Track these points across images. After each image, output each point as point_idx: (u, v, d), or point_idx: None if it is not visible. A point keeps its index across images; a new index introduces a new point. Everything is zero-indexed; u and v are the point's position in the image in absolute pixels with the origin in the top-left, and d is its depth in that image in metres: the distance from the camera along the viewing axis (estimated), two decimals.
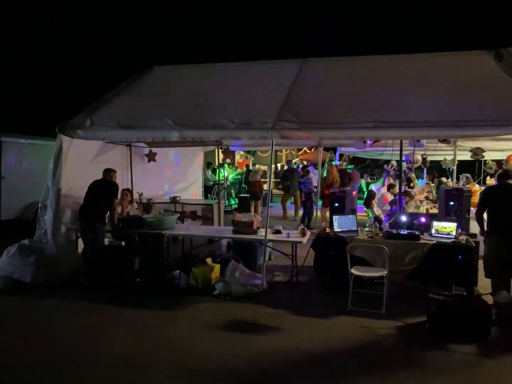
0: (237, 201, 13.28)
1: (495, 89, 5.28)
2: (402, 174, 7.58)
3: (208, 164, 12.18)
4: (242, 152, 19.35)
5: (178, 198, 7.31)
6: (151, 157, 7.66)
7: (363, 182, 15.45)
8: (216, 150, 10.31)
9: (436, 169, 16.29)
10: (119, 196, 6.19)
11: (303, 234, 5.42)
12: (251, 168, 15.68)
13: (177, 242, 6.26)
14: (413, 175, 11.06)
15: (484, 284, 5.34)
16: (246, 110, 5.69)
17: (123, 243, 6.44)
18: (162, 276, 5.70)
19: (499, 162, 11.91)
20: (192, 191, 9.28)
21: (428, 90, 5.47)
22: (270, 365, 3.65)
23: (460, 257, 5.07)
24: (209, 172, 12.35)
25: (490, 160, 11.99)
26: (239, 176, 14.96)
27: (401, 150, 6.13)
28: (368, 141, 6.16)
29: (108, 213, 5.84)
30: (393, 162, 12.92)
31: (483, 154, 8.67)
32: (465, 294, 4.89)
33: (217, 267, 5.65)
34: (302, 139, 5.87)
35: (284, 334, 4.26)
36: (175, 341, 4.10)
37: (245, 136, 5.34)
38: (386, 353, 3.86)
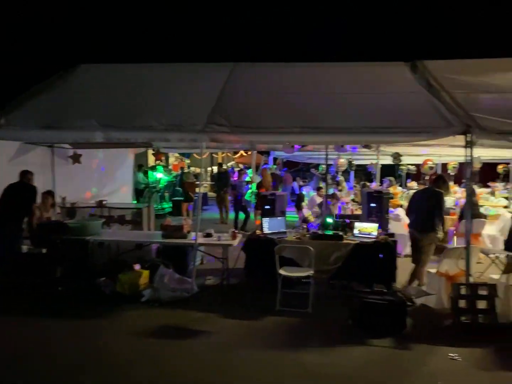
0: (170, 205, 13.03)
1: (411, 99, 5.67)
2: (328, 177, 7.95)
3: (139, 167, 11.82)
4: (177, 154, 19.05)
5: (104, 202, 7.02)
6: (75, 159, 7.29)
7: (295, 185, 15.88)
8: (148, 152, 10.08)
9: (363, 173, 17.23)
10: (38, 200, 5.81)
11: (233, 237, 5.46)
12: (186, 170, 15.48)
13: (103, 248, 6.00)
14: (341, 178, 11.60)
15: (402, 280, 5.73)
16: (176, 112, 5.61)
17: (44, 250, 6.05)
18: (86, 283, 5.43)
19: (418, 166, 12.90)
20: (121, 194, 8.97)
21: (352, 98, 5.75)
22: (200, 370, 3.62)
23: (381, 255, 5.40)
24: (140, 175, 11.98)
25: (407, 164, 12.88)
26: (173, 179, 14.69)
27: (326, 155, 6.39)
28: (295, 145, 6.33)
29: (26, 218, 5.46)
30: (324, 166, 13.46)
31: (401, 158, 9.28)
32: (384, 290, 5.19)
33: (145, 273, 5.50)
34: (233, 142, 5.91)
35: (214, 337, 4.25)
36: (100, 351, 3.92)
37: (174, 138, 5.26)
38: (310, 351, 3.99)
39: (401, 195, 10.91)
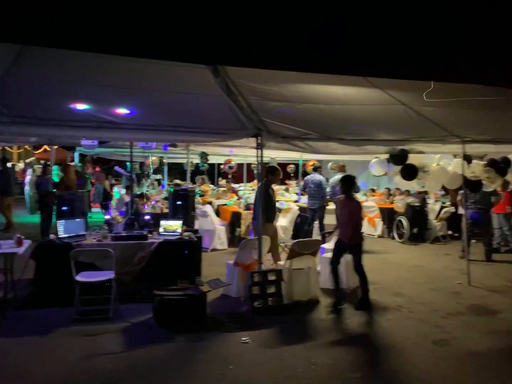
0: None
1: (211, 101, 5.96)
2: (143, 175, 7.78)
3: None
4: None
5: None
6: None
7: (107, 184, 14.93)
8: None
9: (179, 171, 17.47)
10: None
11: (19, 243, 4.76)
12: None
13: None
14: (154, 177, 11.48)
15: (207, 273, 6.00)
16: None
17: None
18: None
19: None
20: None
21: (155, 96, 5.71)
22: None
23: (186, 252, 5.52)
24: None
25: (218, 163, 13.58)
26: None
27: (131, 152, 6.19)
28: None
29: None
30: (134, 163, 13.04)
31: (208, 158, 9.74)
32: (187, 285, 5.32)
33: None
34: (16, 134, 5.15)
35: None
36: None
37: None
38: (107, 358, 3.79)
39: (211, 192, 11.46)
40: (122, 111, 4.91)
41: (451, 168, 6.57)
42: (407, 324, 4.71)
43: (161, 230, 5.65)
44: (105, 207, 8.75)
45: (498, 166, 6.47)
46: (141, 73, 6.33)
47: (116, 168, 11.91)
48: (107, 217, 6.07)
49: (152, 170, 10.81)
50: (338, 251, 5.30)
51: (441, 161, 6.68)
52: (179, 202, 6.20)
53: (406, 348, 4.08)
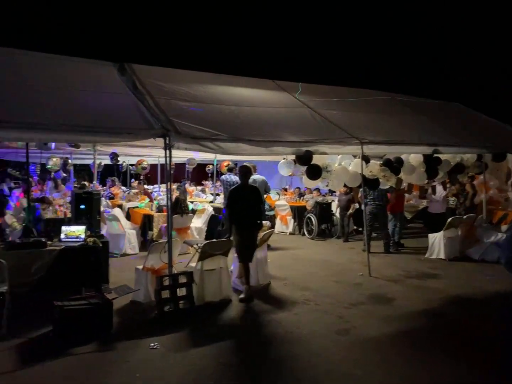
0: None
1: (116, 100, 5.73)
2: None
3: None
4: None
5: None
6: None
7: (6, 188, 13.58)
8: None
9: (87, 173, 16.52)
10: None
11: None
12: None
13: None
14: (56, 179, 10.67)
15: (117, 280, 5.74)
16: None
17: None
18: None
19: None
20: None
21: (52, 93, 5.32)
22: None
23: (92, 258, 5.22)
24: None
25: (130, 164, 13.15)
26: None
27: (27, 153, 5.72)
28: None
29: None
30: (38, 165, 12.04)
31: (118, 159, 9.36)
32: (92, 293, 5.04)
33: None
34: None
35: None
36: None
37: None
38: (4, 379, 3.46)
39: (122, 195, 10.99)
40: None
41: (351, 168, 7.05)
42: (313, 316, 4.94)
43: (62, 236, 5.29)
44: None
45: (392, 165, 7.09)
46: (37, 68, 5.87)
47: (9, 170, 10.90)
48: (6, 223, 5.49)
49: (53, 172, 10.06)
50: None
51: (343, 161, 7.13)
52: (82, 206, 5.83)
53: (312, 340, 4.28)
